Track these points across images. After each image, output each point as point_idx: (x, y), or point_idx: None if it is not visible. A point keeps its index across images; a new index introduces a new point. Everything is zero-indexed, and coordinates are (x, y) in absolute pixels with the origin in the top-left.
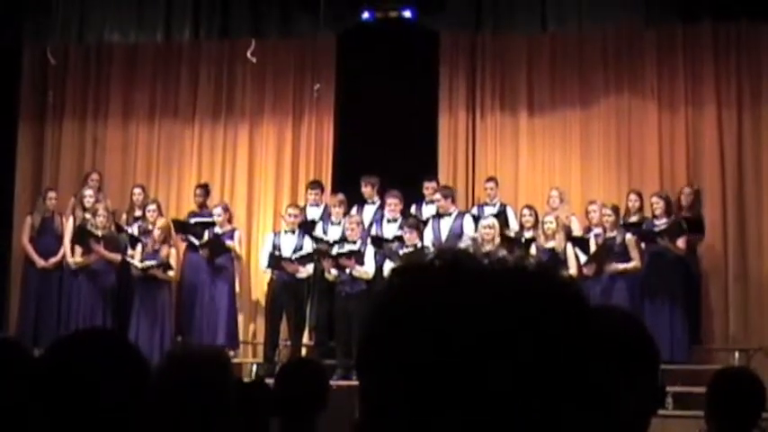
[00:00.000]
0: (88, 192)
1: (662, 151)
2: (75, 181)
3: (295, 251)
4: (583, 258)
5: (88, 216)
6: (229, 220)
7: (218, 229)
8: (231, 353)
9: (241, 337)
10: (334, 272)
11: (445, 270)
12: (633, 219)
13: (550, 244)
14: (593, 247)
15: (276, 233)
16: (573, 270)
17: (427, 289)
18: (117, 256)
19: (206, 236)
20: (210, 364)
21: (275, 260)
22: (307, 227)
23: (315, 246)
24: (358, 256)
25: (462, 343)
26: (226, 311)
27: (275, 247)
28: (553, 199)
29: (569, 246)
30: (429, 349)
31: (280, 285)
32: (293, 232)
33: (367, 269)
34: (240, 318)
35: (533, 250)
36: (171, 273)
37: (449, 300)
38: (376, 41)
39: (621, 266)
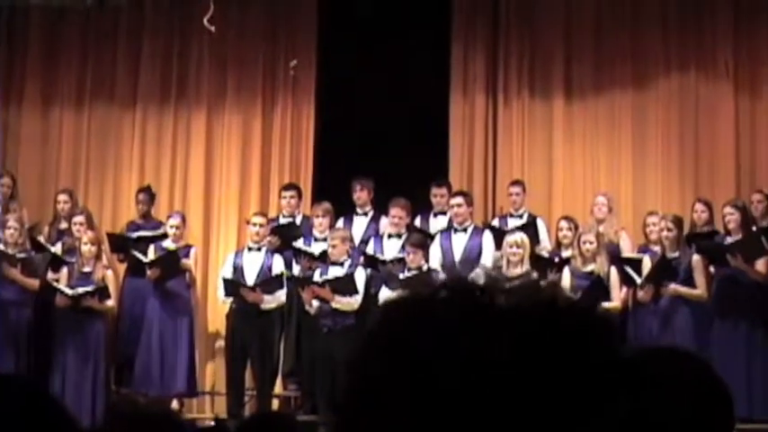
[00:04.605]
0: None
1: (739, 147)
2: None
3: (262, 274)
4: (638, 280)
5: None
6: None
7: (168, 244)
8: (190, 401)
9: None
10: (315, 303)
11: (455, 306)
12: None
13: (589, 267)
14: (646, 271)
15: (237, 251)
16: (617, 301)
17: (430, 331)
18: (35, 282)
19: (151, 252)
20: (161, 427)
21: (233, 286)
22: (283, 233)
23: (293, 266)
24: (347, 283)
25: (476, 406)
26: (185, 351)
27: (236, 269)
28: (599, 207)
29: (613, 270)
30: (429, 409)
31: (240, 319)
32: (259, 249)
33: (350, 300)
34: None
35: (566, 274)
36: (109, 302)
37: (458, 348)
38: (369, 4)
39: (682, 289)
